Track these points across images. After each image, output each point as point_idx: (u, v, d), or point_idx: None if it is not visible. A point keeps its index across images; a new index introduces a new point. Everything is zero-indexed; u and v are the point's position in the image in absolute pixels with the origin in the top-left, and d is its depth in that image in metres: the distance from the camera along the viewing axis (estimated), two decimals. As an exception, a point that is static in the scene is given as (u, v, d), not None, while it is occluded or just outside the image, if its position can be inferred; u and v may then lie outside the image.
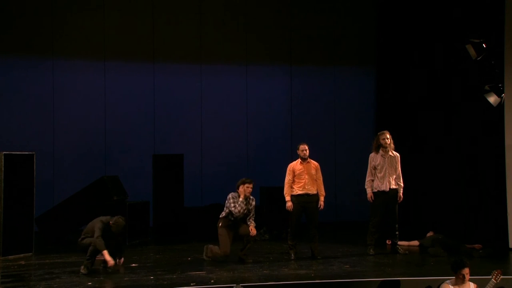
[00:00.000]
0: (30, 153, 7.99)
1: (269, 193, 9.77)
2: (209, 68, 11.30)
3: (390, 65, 10.97)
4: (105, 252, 6.42)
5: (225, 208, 7.19)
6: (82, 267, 6.51)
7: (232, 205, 7.07)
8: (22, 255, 7.66)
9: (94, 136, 10.75)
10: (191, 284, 5.94)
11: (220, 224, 7.17)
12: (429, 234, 8.21)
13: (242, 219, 7.17)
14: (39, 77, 10.63)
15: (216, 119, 11.25)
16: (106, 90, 10.88)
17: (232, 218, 7.12)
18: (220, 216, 7.20)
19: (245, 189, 7.11)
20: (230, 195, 7.17)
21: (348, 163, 11.48)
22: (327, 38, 11.68)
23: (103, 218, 6.70)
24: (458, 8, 9.08)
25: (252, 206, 7.21)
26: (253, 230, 7.10)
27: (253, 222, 7.18)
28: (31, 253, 7.79)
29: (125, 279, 6.27)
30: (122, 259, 6.89)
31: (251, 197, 7.24)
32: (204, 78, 11.28)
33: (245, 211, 7.14)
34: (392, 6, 10.97)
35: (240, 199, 7.09)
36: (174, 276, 6.36)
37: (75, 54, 10.78)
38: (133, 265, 7.08)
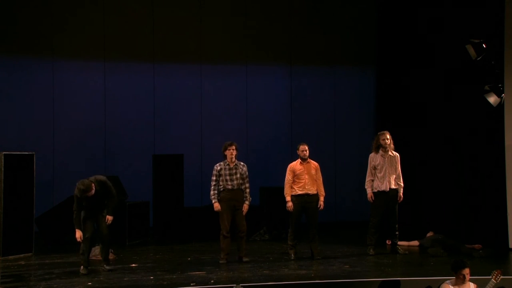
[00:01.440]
0: (30, 153, 7.98)
1: (269, 193, 9.77)
2: (209, 68, 11.29)
3: (390, 65, 10.96)
4: (77, 231, 6.40)
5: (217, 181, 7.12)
6: (82, 267, 6.53)
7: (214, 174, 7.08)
8: (22, 255, 7.66)
9: (94, 136, 10.75)
10: (191, 284, 5.94)
11: (219, 198, 7.14)
12: (429, 234, 8.21)
13: (240, 198, 7.09)
14: (39, 77, 10.63)
15: (216, 119, 11.25)
16: (106, 90, 10.88)
17: (229, 187, 7.04)
18: (221, 190, 7.12)
19: (227, 153, 7.11)
20: (215, 166, 7.14)
21: (348, 163, 11.47)
22: (327, 38, 11.67)
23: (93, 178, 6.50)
24: (458, 8, 9.08)
25: (244, 171, 7.14)
26: (245, 208, 7.09)
27: (248, 196, 7.14)
28: (31, 253, 7.79)
29: (125, 279, 6.27)
30: (110, 217, 6.55)
31: (241, 163, 7.21)
32: (204, 78, 11.28)
33: (237, 174, 7.07)
34: (392, 6, 10.97)
35: (228, 164, 7.07)
36: (174, 276, 6.36)
37: (75, 54, 10.77)
38: (133, 265, 7.08)
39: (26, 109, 10.50)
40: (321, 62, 11.71)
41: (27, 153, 7.96)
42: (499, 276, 4.93)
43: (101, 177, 6.60)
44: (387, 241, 8.05)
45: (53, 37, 10.66)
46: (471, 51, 8.04)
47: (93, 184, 6.36)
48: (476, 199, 8.53)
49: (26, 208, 7.81)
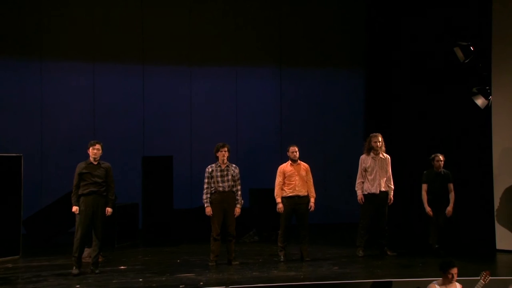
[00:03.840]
0: (18, 155, 7.91)
1: (258, 195, 9.77)
2: (198, 69, 11.28)
3: (380, 67, 11.03)
4: (74, 208, 6.50)
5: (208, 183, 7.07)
6: (74, 268, 6.52)
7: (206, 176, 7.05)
8: (9, 257, 7.57)
9: (82, 138, 10.62)
10: (180, 286, 5.93)
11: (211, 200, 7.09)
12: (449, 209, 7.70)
13: (231, 201, 7.07)
14: (27, 78, 10.54)
15: (206, 121, 11.23)
16: (95, 91, 10.82)
17: (220, 189, 7.02)
18: (212, 192, 7.08)
19: (219, 155, 7.09)
20: (207, 169, 7.09)
21: (338, 165, 11.51)
22: (316, 39, 11.70)
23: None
24: (446, 10, 9.16)
25: (236, 173, 7.12)
26: (237, 211, 7.08)
27: (240, 199, 7.11)
28: (18, 256, 7.70)
29: (114, 281, 6.24)
30: (109, 209, 6.66)
31: (233, 165, 7.20)
32: (194, 80, 11.26)
33: (228, 176, 7.04)
34: (381, 8, 11.04)
35: (219, 166, 7.05)
36: (163, 279, 6.34)
37: (63, 55, 10.70)
38: (122, 267, 7.04)
39: (14, 110, 10.41)
40: (311, 64, 11.74)
41: (15, 154, 7.89)
42: (488, 277, 4.95)
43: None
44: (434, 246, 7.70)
45: (41, 38, 10.59)
46: (459, 53, 8.12)
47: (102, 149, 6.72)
48: (463, 200, 8.58)
49: (13, 210, 7.73)
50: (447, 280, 5.02)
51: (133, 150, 10.72)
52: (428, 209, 7.69)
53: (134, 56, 10.99)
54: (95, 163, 6.69)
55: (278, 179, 7.38)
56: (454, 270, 5.01)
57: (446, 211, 7.67)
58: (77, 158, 10.31)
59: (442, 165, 7.75)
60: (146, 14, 11.07)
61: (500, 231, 7.89)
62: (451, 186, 7.74)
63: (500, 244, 7.88)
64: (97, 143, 6.78)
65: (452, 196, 7.72)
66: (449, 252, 7.54)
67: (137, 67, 11.01)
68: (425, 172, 7.85)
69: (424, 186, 7.77)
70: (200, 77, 11.29)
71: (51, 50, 10.65)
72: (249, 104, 11.47)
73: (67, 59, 10.73)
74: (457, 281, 5.14)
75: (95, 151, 6.70)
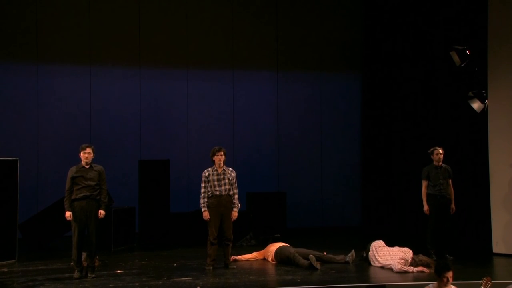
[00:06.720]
0: (14, 159, 7.90)
1: (256, 198, 9.77)
2: (195, 73, 11.28)
3: (376, 71, 11.06)
4: (67, 214, 6.52)
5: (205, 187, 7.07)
6: (75, 272, 6.53)
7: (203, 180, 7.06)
8: (5, 262, 7.55)
9: (79, 142, 10.51)
10: (177, 290, 5.92)
11: (207, 204, 7.09)
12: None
13: (228, 204, 7.06)
14: (24, 81, 10.53)
15: (203, 124, 11.23)
16: (92, 95, 10.81)
17: (217, 193, 7.02)
18: (209, 196, 7.08)
19: (216, 159, 7.09)
20: (203, 173, 7.09)
21: (335, 169, 11.51)
22: (313, 43, 11.73)
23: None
24: (443, 15, 9.21)
25: (232, 176, 7.12)
26: (234, 215, 7.08)
27: (237, 202, 7.10)
28: (14, 260, 7.68)
29: (110, 285, 6.23)
30: (102, 211, 6.63)
31: (230, 168, 7.20)
32: (191, 83, 11.26)
33: (225, 180, 7.05)
34: (378, 12, 11.08)
35: (216, 170, 7.05)
36: (160, 283, 6.33)
37: (60, 58, 10.69)
38: (119, 271, 7.03)
39: (10, 114, 10.38)
40: (308, 68, 11.76)
41: (11, 158, 7.87)
42: (489, 284, 4.93)
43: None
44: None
45: (37, 41, 10.58)
46: (455, 57, 8.16)
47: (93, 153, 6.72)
48: (460, 204, 8.60)
49: (9, 214, 7.70)
50: (442, 284, 5.02)
51: (129, 153, 10.71)
52: (426, 207, 7.66)
53: (131, 59, 10.98)
54: (87, 166, 6.65)
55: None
56: (449, 274, 5.02)
57: (450, 209, 7.66)
58: (73, 162, 10.31)
59: (442, 158, 7.69)
60: (143, 16, 11.08)
61: (496, 235, 7.91)
62: (449, 181, 7.74)
63: (496, 248, 7.90)
64: (88, 146, 6.76)
65: (451, 191, 7.72)
66: (444, 256, 7.55)
67: (134, 70, 11.00)
68: (424, 168, 7.81)
69: (424, 183, 7.72)
70: (197, 81, 11.29)
71: (48, 53, 10.63)
72: (246, 107, 11.47)
73: (63, 62, 10.71)
74: (454, 285, 5.15)
75: (86, 155, 6.70)
